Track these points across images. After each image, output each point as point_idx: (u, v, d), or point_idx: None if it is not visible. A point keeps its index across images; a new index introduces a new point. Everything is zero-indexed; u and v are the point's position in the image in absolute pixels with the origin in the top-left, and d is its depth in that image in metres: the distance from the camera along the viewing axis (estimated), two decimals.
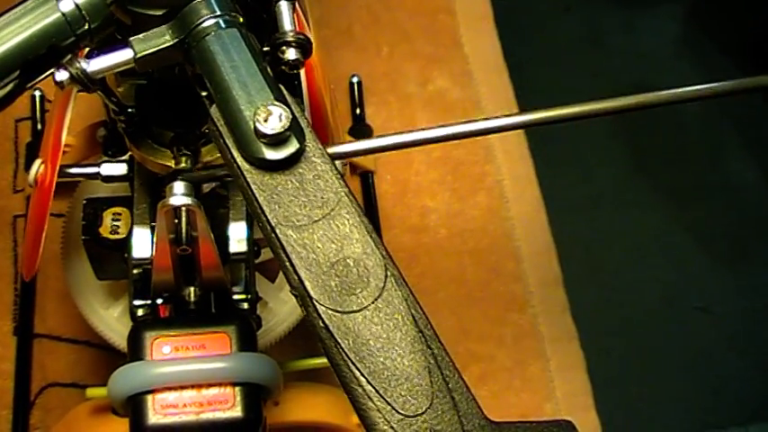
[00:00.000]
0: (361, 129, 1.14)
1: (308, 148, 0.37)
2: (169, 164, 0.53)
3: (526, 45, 1.37)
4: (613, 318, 1.20)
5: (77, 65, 0.40)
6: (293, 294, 0.36)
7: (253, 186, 0.36)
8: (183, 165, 0.52)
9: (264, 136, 0.36)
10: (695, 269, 1.31)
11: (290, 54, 0.41)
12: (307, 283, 0.35)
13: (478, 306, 1.07)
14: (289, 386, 0.68)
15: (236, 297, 0.61)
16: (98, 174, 0.62)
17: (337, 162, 0.54)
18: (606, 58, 1.45)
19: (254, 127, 0.36)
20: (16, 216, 1.08)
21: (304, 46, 0.42)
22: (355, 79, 1.17)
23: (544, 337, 1.07)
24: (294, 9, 0.42)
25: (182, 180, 0.48)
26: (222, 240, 0.59)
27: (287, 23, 0.42)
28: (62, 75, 0.40)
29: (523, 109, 1.28)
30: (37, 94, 1.08)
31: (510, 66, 1.27)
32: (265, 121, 0.36)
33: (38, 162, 0.62)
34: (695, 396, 1.16)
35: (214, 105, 0.38)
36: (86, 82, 0.40)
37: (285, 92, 0.38)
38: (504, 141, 1.20)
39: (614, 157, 1.68)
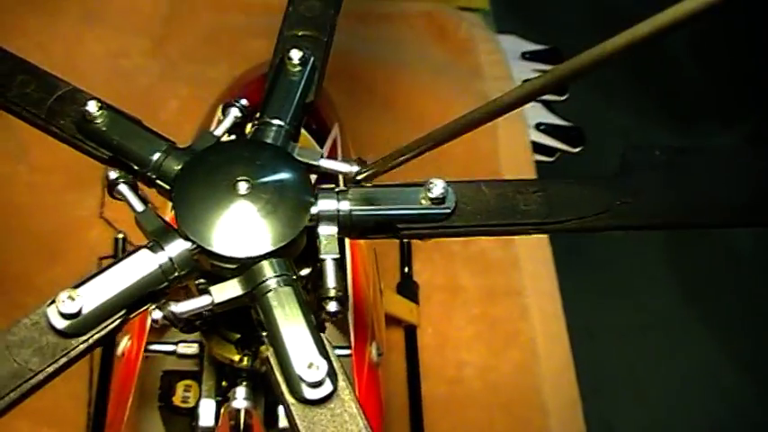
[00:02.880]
0: (408, 285, 1.25)
1: (339, 388, 0.48)
2: (234, 358, 0.64)
3: None
4: None
5: (168, 308, 0.52)
6: None
7: (296, 416, 0.48)
8: (245, 362, 0.63)
9: (306, 382, 0.47)
10: (743, 401, 1.36)
11: (332, 307, 0.53)
12: None
13: None
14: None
15: None
16: (175, 351, 0.74)
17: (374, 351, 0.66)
18: None
19: (299, 375, 0.47)
20: None
21: (342, 300, 0.53)
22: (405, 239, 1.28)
23: None
24: (336, 266, 0.54)
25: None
26: None
27: (330, 281, 0.54)
28: (157, 314, 0.52)
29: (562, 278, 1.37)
30: (120, 236, 1.22)
31: None
32: (308, 368, 0.47)
33: (126, 337, 0.74)
34: None
35: (271, 349, 0.50)
36: (175, 320, 0.52)
37: (326, 343, 0.50)
38: (539, 299, 1.29)
39: (665, 286, 1.74)
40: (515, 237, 1.34)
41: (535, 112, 1.47)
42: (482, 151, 1.39)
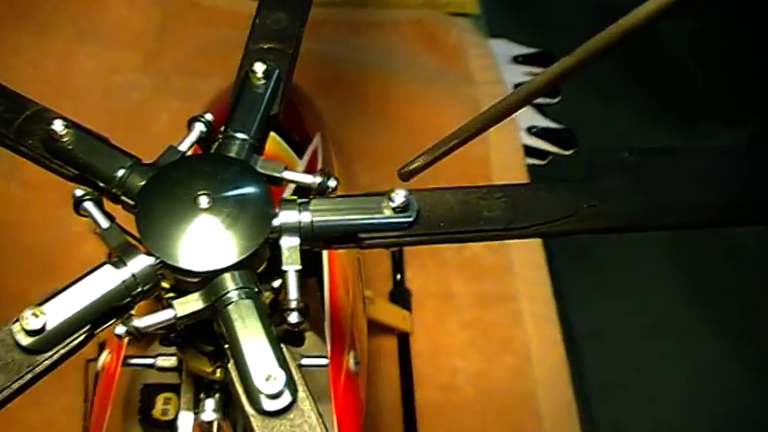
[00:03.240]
0: (400, 293, 1.25)
1: (299, 399, 0.48)
2: (207, 370, 0.65)
3: None
4: None
5: (131, 323, 0.52)
6: None
7: (256, 428, 0.48)
8: (218, 374, 0.64)
9: (265, 394, 0.47)
10: (748, 402, 1.36)
11: (293, 318, 0.53)
12: None
13: None
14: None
15: None
16: (154, 364, 0.74)
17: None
18: None
19: (258, 387, 0.48)
20: (88, 360, 1.20)
21: (303, 311, 0.54)
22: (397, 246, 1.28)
23: None
24: (299, 277, 0.54)
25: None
26: None
27: (292, 292, 0.54)
28: (120, 329, 0.52)
29: (553, 272, 1.38)
30: None
31: None
32: (266, 380, 0.48)
33: (105, 352, 0.75)
34: None
35: (231, 361, 0.50)
36: (138, 335, 0.53)
37: (286, 353, 0.50)
38: (532, 304, 1.29)
39: (669, 287, 1.74)
40: (508, 242, 1.35)
41: (527, 116, 1.47)
42: (474, 155, 1.39)
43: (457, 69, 1.53)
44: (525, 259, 1.33)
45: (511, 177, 1.39)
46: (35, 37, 1.50)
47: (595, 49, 0.35)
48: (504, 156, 1.41)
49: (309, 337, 0.79)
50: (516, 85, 1.51)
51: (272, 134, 0.83)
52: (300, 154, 0.90)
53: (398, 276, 1.26)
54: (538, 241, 1.35)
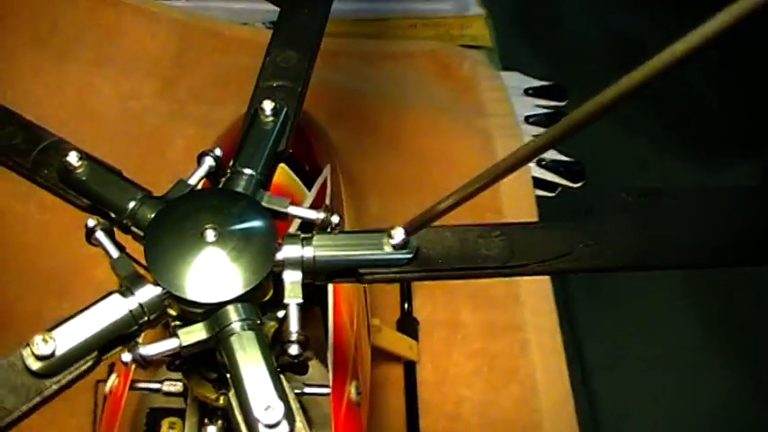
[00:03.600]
0: (408, 322, 1.27)
1: (296, 430, 0.50)
2: (211, 396, 0.67)
3: None
4: None
5: (137, 351, 0.54)
6: None
7: None
8: (221, 401, 0.65)
9: (263, 423, 0.49)
10: None
11: (293, 350, 0.55)
12: None
13: None
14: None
15: None
16: (160, 389, 0.76)
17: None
18: None
19: (256, 416, 0.49)
20: (98, 381, 1.22)
21: (303, 343, 0.55)
22: None
23: None
24: (299, 311, 0.56)
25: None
26: None
27: (293, 324, 0.56)
28: (126, 357, 0.54)
29: (567, 302, 1.39)
30: None
31: None
32: (265, 410, 0.49)
33: (113, 376, 0.77)
34: None
35: (232, 390, 0.52)
36: (143, 362, 0.55)
37: (285, 384, 0.52)
38: (539, 334, 1.30)
39: (683, 318, 1.74)
40: None
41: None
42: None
43: (469, 101, 1.55)
44: (532, 289, 1.34)
45: (520, 208, 1.41)
46: (55, 63, 1.53)
47: (608, 101, 0.36)
48: (514, 188, 1.43)
49: (314, 365, 0.81)
50: (527, 117, 1.53)
51: (282, 165, 0.86)
52: (309, 185, 0.92)
53: (406, 305, 1.28)
54: None
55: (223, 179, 0.62)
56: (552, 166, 1.48)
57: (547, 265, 0.59)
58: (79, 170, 0.61)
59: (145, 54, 1.58)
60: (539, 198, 1.45)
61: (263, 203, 0.60)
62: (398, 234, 0.56)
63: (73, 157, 0.60)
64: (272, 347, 0.58)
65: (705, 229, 0.64)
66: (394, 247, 0.56)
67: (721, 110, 2.12)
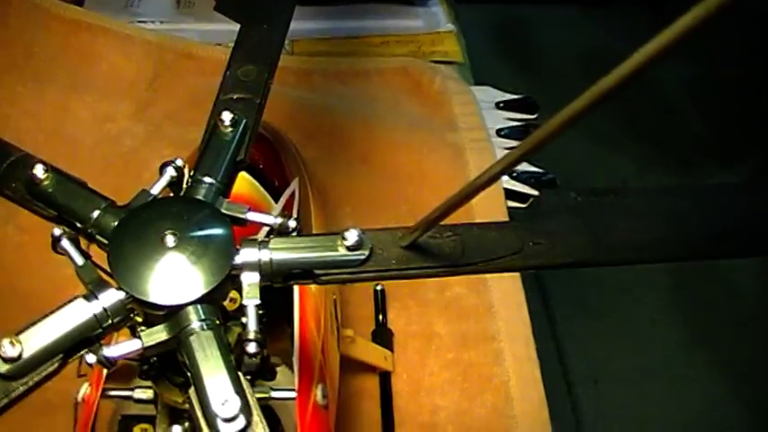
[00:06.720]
0: (382, 333, 1.29)
1: (253, 423, 0.52)
2: (178, 400, 0.69)
3: None
4: None
5: (101, 352, 0.56)
6: None
7: None
8: (187, 404, 0.67)
9: (221, 417, 0.51)
10: None
11: (251, 348, 0.57)
12: None
13: None
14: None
15: None
16: (131, 396, 0.78)
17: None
18: None
19: (215, 411, 0.51)
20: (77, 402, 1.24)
21: (261, 342, 0.58)
22: (379, 287, 1.32)
23: None
24: (258, 310, 0.59)
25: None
26: None
27: (252, 324, 0.58)
28: (91, 358, 0.57)
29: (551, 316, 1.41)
30: None
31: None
32: (223, 404, 0.52)
33: (85, 384, 0.79)
34: None
35: (192, 388, 0.54)
36: (107, 364, 0.57)
37: (243, 381, 0.54)
38: (512, 343, 1.32)
39: (668, 330, 1.76)
40: (490, 283, 1.39)
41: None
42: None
43: (440, 116, 1.58)
44: (506, 299, 1.36)
45: (493, 219, 1.43)
46: (31, 88, 1.55)
47: (578, 111, 0.37)
48: (487, 200, 1.45)
49: (283, 372, 0.83)
50: (498, 131, 1.56)
51: (250, 179, 0.88)
52: (276, 198, 0.95)
53: (380, 317, 1.29)
54: (518, 281, 1.38)
55: (184, 188, 0.65)
56: (524, 178, 1.50)
57: (497, 263, 0.61)
58: (45, 182, 0.63)
59: (120, 77, 1.60)
60: (510, 209, 1.47)
61: (223, 210, 0.63)
62: (352, 235, 0.59)
63: (39, 170, 0.63)
64: (238, 352, 0.60)
65: (654, 226, 0.66)
66: (348, 248, 0.59)
67: (702, 126, 2.15)
